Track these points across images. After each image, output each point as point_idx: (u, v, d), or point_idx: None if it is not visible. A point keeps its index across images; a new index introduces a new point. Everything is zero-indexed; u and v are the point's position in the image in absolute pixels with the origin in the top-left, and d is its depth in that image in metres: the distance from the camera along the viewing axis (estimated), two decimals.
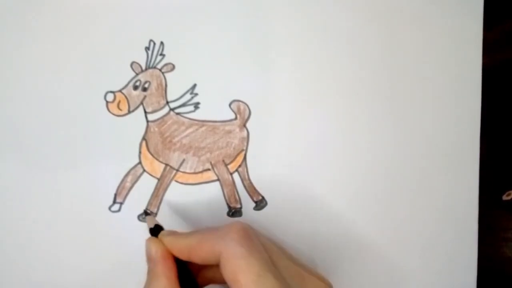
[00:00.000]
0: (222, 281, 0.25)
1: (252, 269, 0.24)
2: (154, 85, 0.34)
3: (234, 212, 0.34)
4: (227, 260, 0.24)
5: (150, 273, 0.27)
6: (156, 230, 0.29)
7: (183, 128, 0.34)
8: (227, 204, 0.34)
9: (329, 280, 0.28)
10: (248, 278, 0.24)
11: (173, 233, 0.28)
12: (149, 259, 0.27)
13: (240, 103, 0.34)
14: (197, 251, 0.26)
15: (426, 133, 0.36)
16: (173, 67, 0.34)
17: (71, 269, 0.33)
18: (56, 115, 0.33)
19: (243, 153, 0.34)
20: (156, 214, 0.33)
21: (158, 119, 0.34)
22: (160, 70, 0.34)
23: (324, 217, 0.35)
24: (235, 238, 0.25)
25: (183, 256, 0.27)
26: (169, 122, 0.34)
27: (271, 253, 0.26)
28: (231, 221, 0.34)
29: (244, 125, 0.34)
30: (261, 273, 0.24)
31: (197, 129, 0.34)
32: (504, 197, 0.38)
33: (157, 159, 0.34)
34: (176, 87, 0.34)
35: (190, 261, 0.27)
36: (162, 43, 0.34)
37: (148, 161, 0.34)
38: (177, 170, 0.34)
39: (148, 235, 0.29)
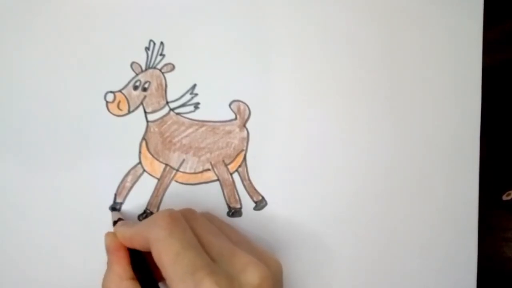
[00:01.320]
0: None
1: (172, 248, 0.25)
2: (154, 85, 0.34)
3: (234, 212, 0.34)
4: (152, 244, 0.26)
5: (107, 263, 0.29)
6: None
7: (183, 128, 0.34)
8: (227, 204, 0.34)
9: (276, 259, 0.29)
10: (168, 257, 0.25)
11: (125, 224, 0.30)
12: (106, 250, 0.30)
13: (240, 103, 0.34)
14: (135, 239, 0.28)
15: (426, 133, 0.36)
16: (173, 67, 0.34)
17: (71, 269, 0.33)
18: (56, 115, 0.33)
19: (243, 153, 0.34)
20: None
21: (158, 119, 0.34)
22: (160, 70, 0.34)
23: (324, 217, 0.35)
24: (160, 223, 0.27)
25: (128, 244, 0.29)
26: (169, 122, 0.34)
27: (202, 232, 0.28)
28: (231, 221, 0.34)
29: (244, 125, 0.34)
30: (180, 252, 0.25)
31: (197, 129, 0.34)
32: (504, 197, 0.38)
33: (157, 159, 0.34)
34: (176, 87, 0.34)
35: (135, 248, 0.29)
36: (162, 43, 0.34)
37: (148, 161, 0.34)
38: (177, 170, 0.34)
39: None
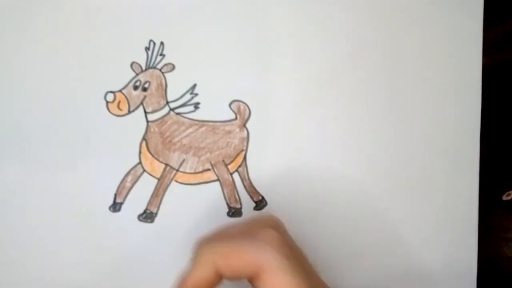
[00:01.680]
0: None
1: (294, 280, 0.23)
2: (154, 85, 0.34)
3: (234, 212, 0.34)
4: (271, 274, 0.23)
5: None
6: None
7: (183, 128, 0.34)
8: (227, 204, 0.34)
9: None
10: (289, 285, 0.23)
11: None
12: None
13: (240, 103, 0.34)
14: (231, 264, 0.24)
15: (426, 133, 0.36)
16: (173, 67, 0.34)
17: (71, 269, 0.33)
18: (56, 115, 0.33)
19: (243, 153, 0.34)
20: (156, 214, 0.34)
21: (158, 119, 0.34)
22: (160, 70, 0.34)
23: (324, 216, 0.35)
24: (276, 248, 0.23)
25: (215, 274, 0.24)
26: (169, 122, 0.34)
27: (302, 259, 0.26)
28: (233, 221, 0.34)
29: (244, 125, 0.34)
30: (301, 284, 0.23)
31: (197, 129, 0.34)
32: (504, 197, 0.38)
33: (157, 159, 0.34)
34: (176, 87, 0.34)
35: (228, 278, 0.24)
36: (162, 43, 0.34)
37: (148, 161, 0.34)
38: (177, 170, 0.34)
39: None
